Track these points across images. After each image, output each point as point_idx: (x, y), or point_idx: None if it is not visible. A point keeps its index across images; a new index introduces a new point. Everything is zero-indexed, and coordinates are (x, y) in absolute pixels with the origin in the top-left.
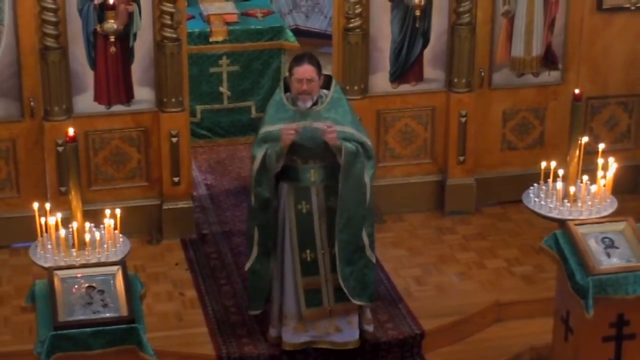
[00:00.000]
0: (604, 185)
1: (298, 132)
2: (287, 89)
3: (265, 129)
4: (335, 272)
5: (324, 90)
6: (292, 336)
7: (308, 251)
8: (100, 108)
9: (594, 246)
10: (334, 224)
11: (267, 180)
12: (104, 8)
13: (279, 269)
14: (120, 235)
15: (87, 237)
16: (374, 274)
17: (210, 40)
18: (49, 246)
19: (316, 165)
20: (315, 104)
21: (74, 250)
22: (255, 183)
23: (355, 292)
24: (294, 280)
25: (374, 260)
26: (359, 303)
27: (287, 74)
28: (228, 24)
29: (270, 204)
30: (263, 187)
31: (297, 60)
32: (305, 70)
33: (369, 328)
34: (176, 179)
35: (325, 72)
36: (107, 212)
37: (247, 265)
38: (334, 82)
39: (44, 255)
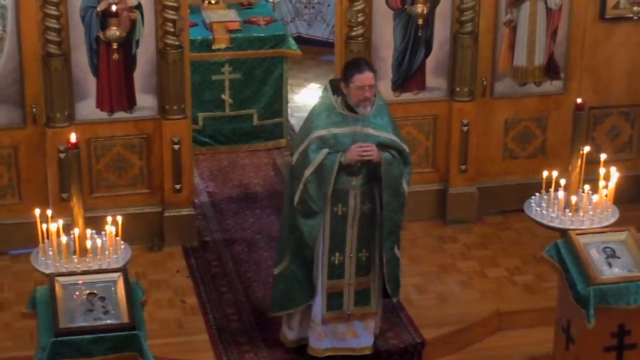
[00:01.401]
0: (606, 195)
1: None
2: (333, 91)
3: (319, 132)
4: (359, 277)
5: None
6: (317, 342)
7: (337, 254)
8: (102, 115)
9: (595, 256)
10: (365, 228)
11: (320, 187)
12: (106, 15)
13: (318, 273)
14: (122, 242)
15: (89, 243)
16: (400, 269)
17: (213, 47)
18: (51, 252)
19: (360, 169)
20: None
21: (75, 256)
22: (303, 187)
23: (394, 292)
24: (322, 284)
25: (399, 256)
26: (395, 299)
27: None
28: (231, 31)
29: (315, 213)
30: (313, 192)
31: (356, 67)
32: (367, 77)
33: (378, 329)
34: (178, 186)
35: (327, 79)
36: (109, 219)
37: (280, 269)
38: (377, 89)
39: (45, 261)
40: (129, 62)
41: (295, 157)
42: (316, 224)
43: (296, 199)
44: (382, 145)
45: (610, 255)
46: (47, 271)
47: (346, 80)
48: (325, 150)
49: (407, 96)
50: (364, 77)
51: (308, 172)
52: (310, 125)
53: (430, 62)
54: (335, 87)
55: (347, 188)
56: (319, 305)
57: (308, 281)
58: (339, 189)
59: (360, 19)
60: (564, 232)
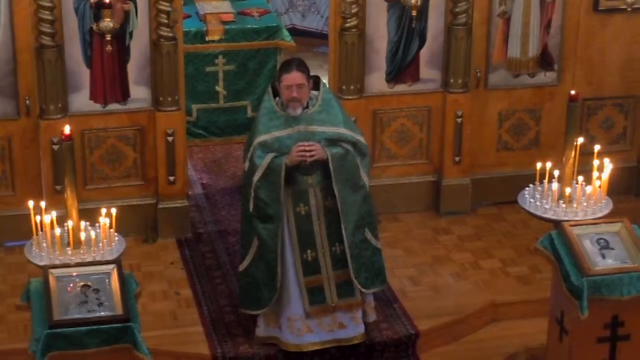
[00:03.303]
0: (600, 186)
1: (310, 154)
2: (275, 93)
3: (261, 137)
4: (337, 269)
5: (313, 92)
6: (297, 338)
7: (309, 251)
8: (96, 107)
9: (589, 247)
10: (332, 223)
11: (272, 191)
12: (100, 6)
13: (280, 271)
14: (116, 234)
15: (83, 235)
16: (381, 259)
17: (207, 39)
18: (44, 245)
19: (312, 168)
20: (306, 107)
21: (69, 248)
22: (254, 193)
23: (368, 282)
24: (296, 281)
25: (379, 247)
26: (374, 290)
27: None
28: (224, 23)
29: (271, 217)
30: (265, 197)
31: (286, 67)
32: (295, 77)
33: (372, 317)
34: (172, 178)
35: (322, 72)
36: (103, 210)
37: (243, 267)
38: (322, 83)
39: (39, 253)
40: (123, 53)
41: (246, 164)
42: (275, 227)
43: (250, 205)
44: (332, 140)
45: (604, 246)
46: (41, 263)
47: (278, 80)
48: (271, 155)
49: (401, 88)
50: (291, 77)
51: (255, 178)
52: (254, 132)
53: (424, 53)
54: (275, 90)
55: (305, 187)
56: (296, 301)
57: (268, 285)
58: (297, 189)
59: (354, 11)
60: (557, 224)
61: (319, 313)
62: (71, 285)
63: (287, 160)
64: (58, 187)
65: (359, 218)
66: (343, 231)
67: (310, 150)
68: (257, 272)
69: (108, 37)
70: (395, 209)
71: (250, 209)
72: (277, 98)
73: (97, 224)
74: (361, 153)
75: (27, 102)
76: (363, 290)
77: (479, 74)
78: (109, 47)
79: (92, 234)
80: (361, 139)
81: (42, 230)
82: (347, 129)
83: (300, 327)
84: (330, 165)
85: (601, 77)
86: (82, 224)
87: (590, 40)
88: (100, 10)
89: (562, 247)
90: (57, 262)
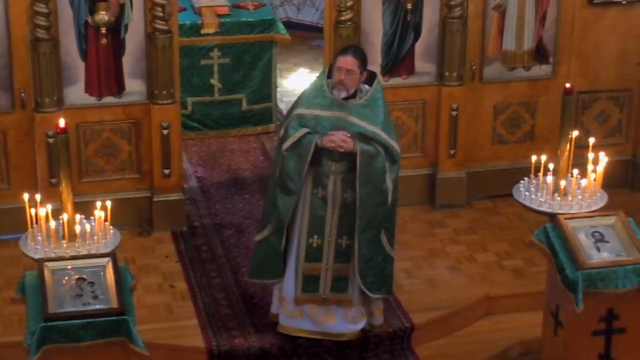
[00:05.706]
0: (595, 180)
1: (342, 146)
2: (330, 75)
3: (300, 110)
4: (338, 263)
5: (366, 86)
6: (287, 320)
7: (315, 237)
8: (91, 100)
9: (584, 240)
10: (346, 216)
11: (297, 164)
12: None
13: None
14: (111, 227)
15: (78, 228)
16: (392, 268)
17: (202, 32)
18: (39, 238)
19: (340, 156)
20: (354, 96)
21: (64, 241)
22: (281, 161)
23: (374, 287)
24: (296, 264)
25: (393, 255)
26: (377, 297)
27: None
28: (219, 16)
29: (290, 190)
30: (289, 169)
31: (343, 49)
32: (347, 61)
33: (379, 320)
34: (167, 171)
35: (317, 65)
36: (98, 204)
37: (260, 237)
38: (376, 80)
39: (34, 246)
40: (118, 46)
41: (281, 132)
42: (290, 201)
43: (277, 172)
44: (365, 137)
45: (599, 239)
46: (36, 256)
47: (333, 60)
48: (305, 130)
49: (396, 81)
50: (344, 60)
51: (284, 146)
52: (297, 103)
53: (419, 46)
54: (331, 70)
55: (327, 172)
56: (291, 283)
57: (284, 257)
58: (320, 171)
59: (349, 4)
60: (552, 217)
61: (307, 301)
62: (66, 278)
63: (320, 141)
64: (53, 180)
65: (372, 218)
66: (356, 227)
67: (342, 145)
68: (277, 243)
69: (103, 30)
70: None
71: (276, 175)
72: (330, 79)
73: (92, 217)
74: (392, 159)
75: (22, 95)
76: (368, 293)
77: (474, 67)
78: (104, 40)
79: (87, 227)
80: (395, 145)
81: (37, 223)
82: (384, 131)
83: (292, 310)
84: (358, 159)
85: (596, 70)
86: (77, 217)
87: (585, 33)
88: (95, 3)
89: (557, 240)
90: (52, 255)
